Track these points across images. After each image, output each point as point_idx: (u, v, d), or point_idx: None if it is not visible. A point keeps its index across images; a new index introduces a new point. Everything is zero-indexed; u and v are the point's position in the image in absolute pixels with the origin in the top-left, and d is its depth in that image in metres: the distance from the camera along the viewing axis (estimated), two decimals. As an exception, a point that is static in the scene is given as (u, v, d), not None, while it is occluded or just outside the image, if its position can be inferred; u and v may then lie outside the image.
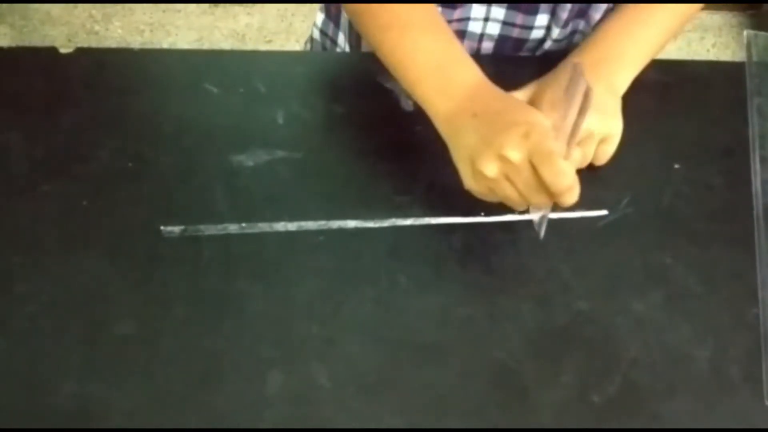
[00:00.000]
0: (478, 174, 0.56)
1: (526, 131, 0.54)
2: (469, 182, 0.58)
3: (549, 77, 0.67)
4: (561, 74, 0.66)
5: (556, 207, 0.57)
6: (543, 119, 0.56)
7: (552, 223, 0.64)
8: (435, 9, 0.66)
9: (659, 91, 0.74)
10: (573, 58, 0.68)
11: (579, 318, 0.59)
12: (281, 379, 0.56)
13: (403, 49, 0.63)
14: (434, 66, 0.62)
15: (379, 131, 0.62)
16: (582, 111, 0.51)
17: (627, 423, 0.55)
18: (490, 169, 0.55)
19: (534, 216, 0.62)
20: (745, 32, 0.78)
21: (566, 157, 0.54)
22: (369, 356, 0.57)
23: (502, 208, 0.59)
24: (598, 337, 0.58)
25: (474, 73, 0.62)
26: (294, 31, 1.89)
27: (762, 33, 0.77)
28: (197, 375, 0.56)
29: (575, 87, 0.51)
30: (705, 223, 0.65)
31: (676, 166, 0.69)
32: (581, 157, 0.62)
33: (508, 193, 0.56)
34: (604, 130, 0.65)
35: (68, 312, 0.58)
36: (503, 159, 0.54)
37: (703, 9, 0.71)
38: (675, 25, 0.71)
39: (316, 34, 0.88)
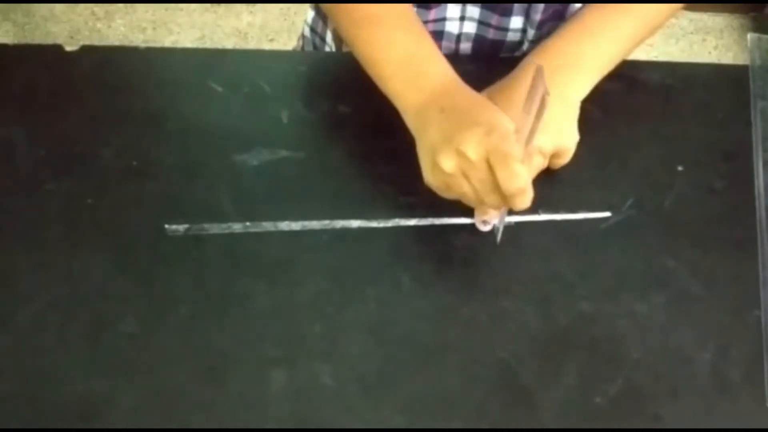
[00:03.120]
0: (436, 168, 0.57)
1: (487, 131, 0.54)
2: (428, 176, 0.59)
3: (506, 79, 0.66)
4: (520, 76, 0.65)
5: (511, 211, 0.58)
6: (506, 121, 0.57)
7: (555, 224, 0.64)
8: (409, 7, 0.67)
9: (663, 94, 0.74)
10: (529, 60, 0.67)
11: (581, 319, 0.59)
12: (285, 378, 0.56)
13: (375, 44, 0.64)
14: (405, 61, 0.63)
15: (383, 131, 0.62)
16: (538, 115, 0.51)
17: (628, 424, 0.55)
18: (448, 164, 0.56)
19: (495, 220, 0.63)
20: (748, 35, 0.78)
21: (524, 160, 0.54)
22: (372, 355, 0.57)
23: (459, 205, 0.60)
24: (600, 339, 0.59)
25: (444, 70, 0.63)
26: (296, 30, 1.89)
27: (765, 36, 0.78)
28: (201, 373, 0.56)
29: (535, 90, 0.51)
30: (708, 226, 0.65)
31: (680, 168, 0.69)
32: (540, 163, 0.62)
33: (464, 189, 0.57)
34: (557, 146, 0.64)
35: (72, 310, 0.58)
36: (461, 155, 0.55)
37: (705, 11, 0.71)
38: (639, 33, 0.69)
39: (307, 32, 0.89)
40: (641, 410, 0.55)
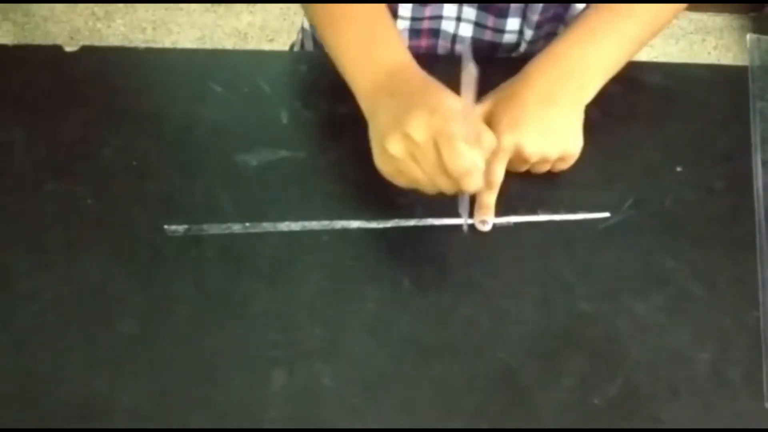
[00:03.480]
0: (386, 154, 0.57)
1: (431, 112, 0.54)
2: (379, 162, 0.59)
3: (510, 83, 0.66)
4: (525, 80, 0.65)
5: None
6: (452, 102, 0.56)
7: (554, 224, 0.64)
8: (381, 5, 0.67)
9: (662, 95, 0.74)
10: (531, 66, 0.66)
11: (581, 319, 0.59)
12: (284, 378, 0.56)
13: (336, 27, 0.65)
14: (362, 44, 0.63)
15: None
16: (466, 94, 0.51)
17: (628, 424, 0.55)
18: (396, 148, 0.55)
19: (493, 219, 0.63)
20: (748, 36, 0.78)
21: (470, 141, 0.53)
22: (372, 356, 0.57)
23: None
24: (599, 339, 0.59)
25: (399, 54, 0.63)
26: (296, 29, 1.89)
27: (765, 37, 0.78)
28: (200, 374, 0.56)
29: (466, 69, 0.51)
30: (707, 226, 0.65)
31: (679, 169, 0.69)
32: (489, 142, 0.60)
33: (414, 174, 0.56)
34: (562, 152, 0.64)
35: (72, 310, 0.58)
36: (408, 138, 0.54)
37: (705, 11, 0.71)
38: (643, 36, 0.69)
39: (306, 24, 0.89)
40: (640, 410, 0.56)
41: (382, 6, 0.66)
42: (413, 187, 0.59)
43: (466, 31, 0.77)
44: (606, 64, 0.67)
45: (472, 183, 0.54)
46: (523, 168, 0.65)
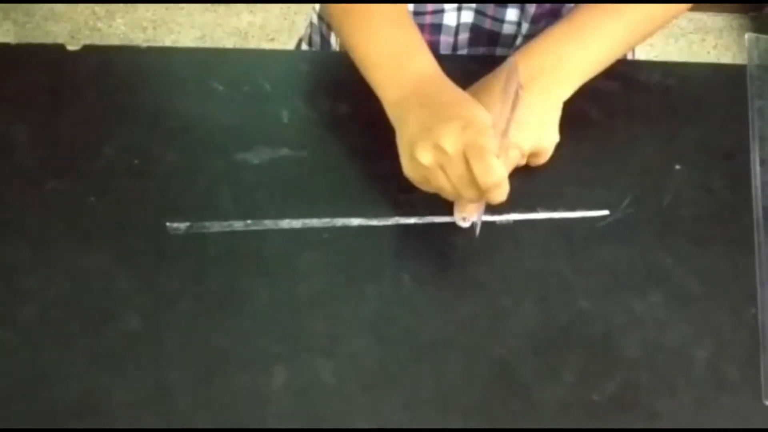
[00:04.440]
0: (414, 161, 0.57)
1: (464, 125, 0.55)
2: (407, 168, 0.60)
3: (488, 77, 0.67)
4: (501, 74, 0.65)
5: (489, 206, 0.58)
6: (484, 116, 0.57)
7: (554, 222, 0.65)
8: (402, 5, 0.67)
9: (661, 93, 0.75)
10: (512, 58, 0.67)
11: (580, 317, 0.60)
12: (286, 375, 0.56)
13: (362, 34, 0.65)
14: (390, 53, 0.63)
15: (383, 130, 0.63)
16: (513, 108, 0.52)
17: (626, 421, 0.55)
18: (426, 157, 0.56)
19: (474, 217, 0.63)
20: (746, 35, 0.78)
21: (499, 154, 0.54)
22: (372, 353, 0.58)
23: (438, 199, 0.61)
24: (598, 336, 0.59)
25: (428, 64, 0.63)
26: (297, 29, 1.90)
27: (763, 36, 0.78)
28: (202, 370, 0.56)
29: (510, 85, 0.52)
30: (705, 224, 0.66)
31: (677, 167, 0.69)
32: (515, 157, 0.62)
33: (441, 183, 0.57)
34: (535, 146, 0.64)
35: (75, 307, 0.59)
36: (439, 149, 0.55)
37: (704, 11, 0.71)
38: (628, 38, 0.69)
39: (314, 18, 0.89)
40: (639, 407, 0.56)
41: (405, 9, 0.66)
42: (434, 192, 0.60)
43: (468, 18, 0.77)
44: (586, 62, 0.67)
45: (501, 195, 0.55)
46: None
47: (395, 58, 0.63)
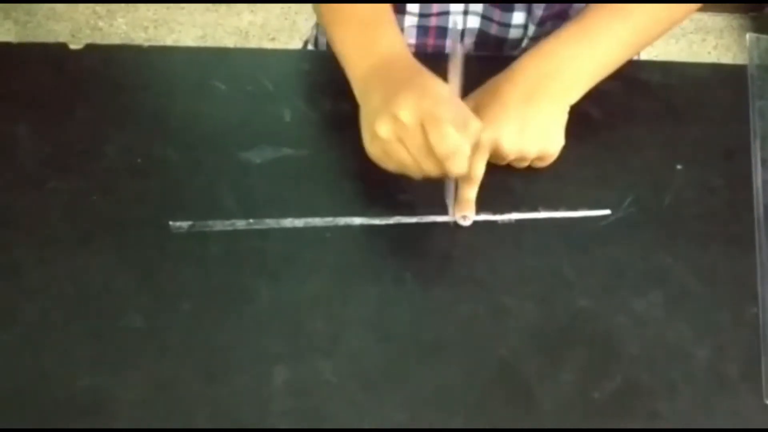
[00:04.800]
0: (375, 136, 0.58)
1: (420, 95, 0.55)
2: (368, 145, 0.60)
3: (495, 80, 0.67)
4: (509, 77, 0.66)
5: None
6: (441, 87, 0.57)
7: (555, 222, 0.65)
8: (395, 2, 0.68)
9: (662, 93, 0.75)
10: (517, 64, 0.67)
11: (580, 316, 0.60)
12: (287, 374, 0.56)
13: (338, 19, 0.66)
14: (360, 34, 0.64)
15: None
16: (453, 81, 0.53)
17: (627, 420, 0.55)
18: (384, 129, 0.56)
19: (473, 216, 0.63)
20: (747, 35, 0.78)
21: (457, 125, 0.55)
22: (374, 352, 0.58)
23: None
24: (599, 335, 0.59)
25: (396, 44, 0.64)
26: (297, 29, 1.90)
27: (764, 36, 0.78)
28: (204, 369, 0.56)
29: (454, 54, 0.52)
30: (706, 224, 0.66)
31: (679, 167, 0.69)
32: (477, 128, 0.60)
33: (402, 155, 0.57)
34: (540, 151, 0.65)
35: (77, 306, 0.59)
36: (397, 120, 0.56)
37: (705, 11, 0.71)
38: (636, 41, 0.69)
39: None
40: (639, 406, 0.56)
41: (386, 5, 0.67)
42: (400, 171, 0.59)
43: (474, 23, 0.77)
44: (595, 66, 0.67)
45: (457, 165, 0.55)
46: (502, 163, 0.66)
47: (364, 39, 0.64)
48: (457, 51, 0.51)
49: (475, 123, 0.59)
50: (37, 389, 0.55)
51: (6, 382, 0.55)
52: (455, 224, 0.64)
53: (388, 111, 0.56)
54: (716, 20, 1.97)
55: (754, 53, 0.77)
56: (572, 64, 0.66)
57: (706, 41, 1.94)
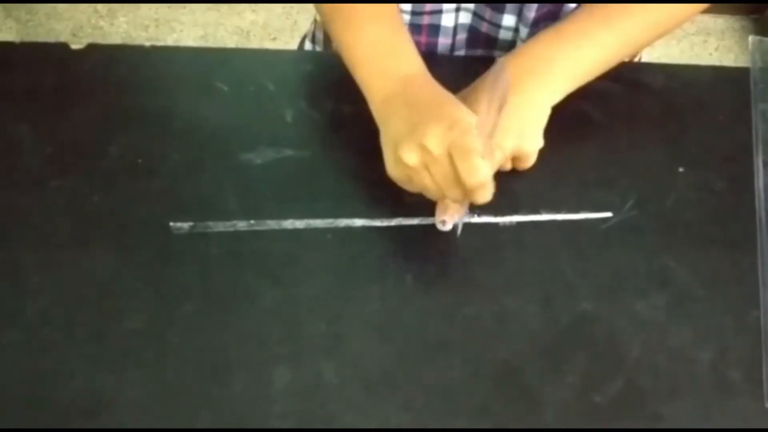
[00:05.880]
0: (399, 161, 0.58)
1: (450, 125, 0.55)
2: (391, 168, 0.60)
3: (480, 79, 0.66)
4: (487, 77, 0.65)
5: (473, 207, 0.59)
6: (469, 116, 0.57)
7: (557, 224, 0.65)
8: (393, 5, 0.67)
9: (664, 96, 0.75)
10: (501, 59, 0.66)
11: (582, 319, 0.60)
12: (288, 375, 0.56)
13: (350, 32, 0.65)
14: (377, 51, 0.64)
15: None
16: (499, 109, 0.52)
17: (628, 423, 0.55)
18: (410, 157, 0.56)
19: (455, 219, 0.63)
20: (750, 37, 0.78)
21: (485, 155, 0.55)
22: (375, 353, 0.58)
23: (421, 198, 0.61)
24: (601, 338, 0.59)
25: (414, 64, 0.63)
26: (299, 29, 1.90)
27: (767, 38, 0.78)
28: (205, 370, 0.56)
29: (497, 85, 0.52)
30: (708, 227, 0.66)
31: (681, 169, 0.69)
32: (501, 158, 0.62)
33: (426, 182, 0.58)
34: (516, 149, 0.64)
35: (78, 306, 0.59)
36: (424, 149, 0.56)
37: (706, 12, 0.71)
38: (620, 48, 0.68)
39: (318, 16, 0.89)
40: (641, 409, 0.56)
41: (395, 9, 0.66)
42: (418, 192, 0.60)
43: (465, 19, 0.77)
44: (575, 68, 0.66)
45: (485, 196, 0.56)
46: None
47: (382, 57, 0.63)
48: (501, 70, 0.51)
49: (499, 152, 0.60)
50: (38, 389, 0.55)
51: (7, 382, 0.55)
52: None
53: (414, 139, 0.56)
54: (718, 22, 1.97)
55: (756, 56, 0.77)
56: (552, 65, 0.65)
57: (708, 43, 1.94)
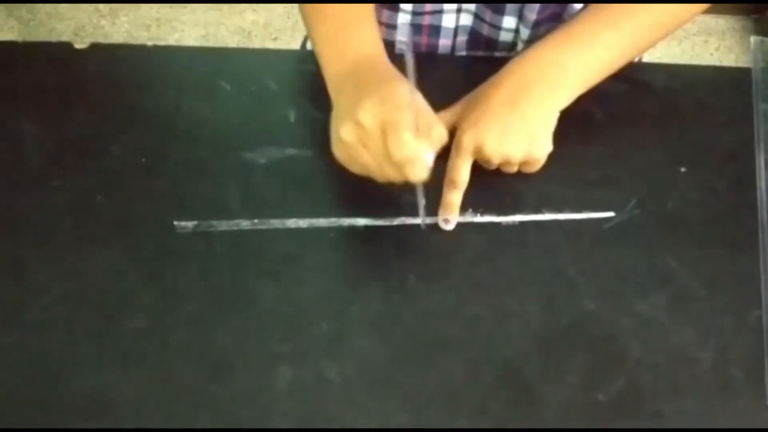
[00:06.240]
0: (339, 139, 0.58)
1: (382, 100, 0.56)
2: (335, 147, 0.61)
3: (487, 83, 0.67)
4: (499, 80, 0.66)
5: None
6: (405, 93, 0.57)
7: (559, 224, 0.65)
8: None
9: (666, 96, 0.75)
10: (504, 69, 0.67)
11: (584, 318, 0.60)
12: (291, 374, 0.56)
13: (317, 17, 0.66)
14: (337, 33, 0.65)
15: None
16: (409, 74, 0.53)
17: (630, 422, 0.56)
18: (348, 134, 0.57)
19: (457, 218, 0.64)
20: (751, 38, 0.78)
21: (417, 131, 0.55)
22: (377, 352, 0.58)
23: (369, 180, 0.60)
24: (602, 337, 0.59)
25: (370, 45, 0.64)
26: (300, 28, 1.89)
27: (768, 39, 0.78)
28: (207, 369, 0.57)
29: (407, 60, 0.52)
30: (710, 227, 0.66)
31: (682, 169, 0.69)
32: (440, 135, 0.61)
33: (365, 159, 0.58)
34: (525, 155, 0.64)
35: (81, 305, 0.59)
36: (360, 126, 0.56)
37: (707, 13, 0.71)
38: (627, 50, 0.68)
39: None
40: (643, 408, 0.56)
41: (367, 5, 0.67)
42: (365, 174, 0.60)
43: (466, 20, 0.77)
44: (584, 73, 0.66)
45: (415, 172, 0.56)
46: (491, 167, 0.66)
47: (340, 39, 0.65)
48: (408, 52, 0.52)
49: (438, 129, 0.59)
50: (41, 388, 0.55)
51: (9, 381, 0.56)
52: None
53: (351, 116, 0.57)
54: (719, 22, 1.97)
55: (758, 56, 0.77)
56: (557, 69, 0.65)
57: (709, 43, 1.94)
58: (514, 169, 0.66)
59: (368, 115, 0.56)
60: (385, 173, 0.58)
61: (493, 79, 0.66)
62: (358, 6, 0.66)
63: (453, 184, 0.63)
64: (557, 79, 0.65)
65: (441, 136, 0.60)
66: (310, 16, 0.67)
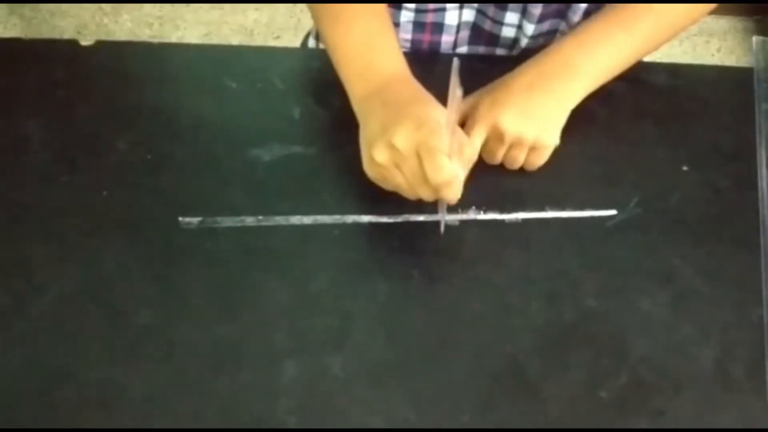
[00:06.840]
0: (372, 160, 0.59)
1: (418, 124, 0.56)
2: (367, 167, 0.61)
3: (498, 82, 0.68)
4: (512, 81, 0.67)
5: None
6: (438, 115, 0.58)
7: (562, 221, 0.65)
8: (382, 5, 0.68)
9: (668, 95, 0.75)
10: (521, 65, 0.68)
11: (587, 315, 0.60)
12: (295, 369, 0.57)
13: (338, 29, 0.66)
14: (361, 49, 0.65)
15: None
16: (451, 108, 0.54)
17: (632, 418, 0.56)
18: (381, 156, 0.58)
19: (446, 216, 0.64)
20: (753, 38, 0.79)
21: (451, 154, 0.56)
22: (381, 348, 0.58)
23: (398, 196, 0.62)
24: (605, 335, 0.59)
25: (395, 64, 0.65)
26: (302, 27, 1.90)
27: (770, 39, 0.79)
28: (213, 364, 0.57)
29: (452, 86, 0.53)
30: (712, 225, 0.66)
31: (685, 168, 0.70)
32: (471, 154, 0.63)
33: (398, 181, 0.59)
34: (537, 139, 0.65)
35: (88, 301, 0.59)
36: (393, 148, 0.57)
37: (709, 13, 0.72)
38: (639, 49, 0.69)
39: None
40: (645, 405, 0.56)
41: (383, 8, 0.67)
42: (396, 191, 0.61)
43: (469, 16, 0.78)
44: (597, 73, 0.68)
45: (452, 193, 0.57)
46: (499, 151, 0.66)
47: (365, 55, 0.65)
48: (456, 79, 0.52)
49: (470, 150, 0.61)
50: (48, 384, 0.56)
51: (17, 377, 0.56)
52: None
53: (385, 138, 0.57)
54: (720, 23, 1.97)
55: (760, 56, 0.77)
56: (571, 70, 0.67)
57: (710, 43, 1.95)
58: (521, 158, 0.66)
59: (402, 138, 0.56)
60: (418, 193, 0.59)
61: (511, 73, 0.68)
62: (379, 17, 0.66)
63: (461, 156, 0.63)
64: (570, 79, 0.67)
65: (472, 155, 0.62)
66: (329, 27, 0.67)
